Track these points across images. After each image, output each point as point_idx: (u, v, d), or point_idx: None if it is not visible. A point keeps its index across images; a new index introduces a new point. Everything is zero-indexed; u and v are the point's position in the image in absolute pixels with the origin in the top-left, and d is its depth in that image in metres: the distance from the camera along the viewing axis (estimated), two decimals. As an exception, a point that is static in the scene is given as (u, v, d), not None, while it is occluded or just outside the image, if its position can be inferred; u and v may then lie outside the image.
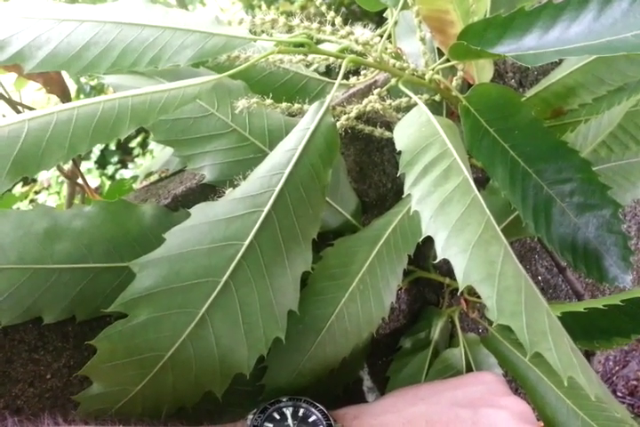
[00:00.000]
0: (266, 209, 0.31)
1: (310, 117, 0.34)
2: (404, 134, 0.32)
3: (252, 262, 0.30)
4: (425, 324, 0.39)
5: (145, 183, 0.55)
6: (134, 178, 0.55)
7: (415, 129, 0.32)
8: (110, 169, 1.29)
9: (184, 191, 0.36)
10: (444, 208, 0.26)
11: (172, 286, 0.29)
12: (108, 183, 1.22)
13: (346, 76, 0.49)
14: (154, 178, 0.60)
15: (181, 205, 0.35)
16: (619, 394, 1.60)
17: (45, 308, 0.30)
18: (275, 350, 0.31)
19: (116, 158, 1.47)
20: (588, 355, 0.46)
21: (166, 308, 0.29)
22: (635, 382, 1.59)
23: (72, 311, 0.30)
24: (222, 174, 0.36)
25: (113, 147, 1.49)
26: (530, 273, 0.50)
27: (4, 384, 0.29)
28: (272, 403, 0.30)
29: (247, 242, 0.30)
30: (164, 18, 0.37)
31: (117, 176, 1.33)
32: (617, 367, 1.63)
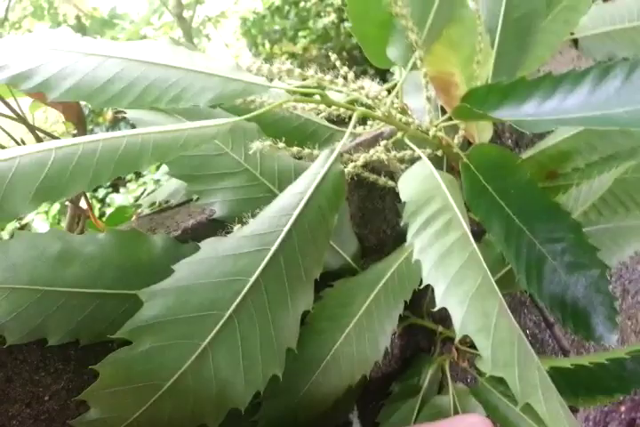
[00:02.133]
0: (273, 248, 0.33)
1: (320, 163, 0.37)
2: (408, 186, 0.35)
3: (257, 299, 0.32)
4: (416, 371, 0.41)
5: (147, 211, 0.58)
6: (137, 206, 0.57)
7: (419, 182, 0.35)
8: (101, 192, 1.30)
9: (194, 225, 0.38)
10: (444, 260, 0.29)
11: (178, 316, 0.31)
12: (98, 206, 1.24)
13: (354, 125, 0.53)
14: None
15: (190, 238, 0.37)
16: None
17: (51, 330, 0.31)
18: (270, 386, 0.32)
19: (107, 182, 1.49)
20: (573, 411, 0.48)
21: (170, 338, 0.30)
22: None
23: (76, 335, 0.32)
24: (231, 211, 0.39)
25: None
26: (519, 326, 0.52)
27: (2, 403, 0.30)
28: (264, 439, 0.31)
29: (253, 278, 0.33)
30: (187, 60, 0.40)
31: (107, 200, 1.35)
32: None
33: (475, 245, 0.30)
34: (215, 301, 0.32)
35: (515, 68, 0.48)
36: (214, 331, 0.31)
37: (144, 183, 1.26)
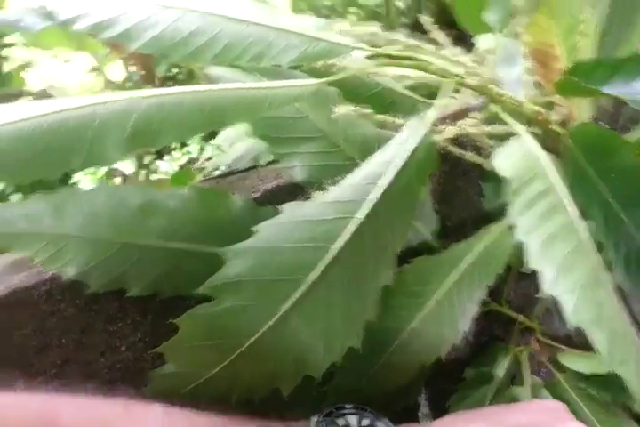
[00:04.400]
0: (357, 216, 0.34)
1: (410, 132, 0.37)
2: (507, 163, 0.35)
3: (338, 267, 0.33)
4: (490, 358, 0.41)
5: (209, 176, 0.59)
6: (201, 169, 0.58)
7: (518, 159, 0.35)
8: (147, 159, 1.32)
9: (273, 188, 0.39)
10: (551, 244, 0.29)
11: (260, 277, 0.32)
12: (142, 172, 1.27)
13: (432, 98, 0.53)
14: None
15: (269, 201, 0.38)
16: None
17: (130, 281, 0.33)
18: (344, 358, 0.33)
19: (198, 135, 1.49)
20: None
21: (252, 297, 0.31)
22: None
23: (155, 288, 0.33)
24: (310, 176, 0.40)
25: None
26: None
27: (80, 351, 0.32)
28: (337, 408, 0.32)
29: (335, 246, 0.33)
30: (270, 17, 0.40)
31: (152, 167, 1.38)
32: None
33: (585, 231, 0.30)
34: (297, 265, 0.32)
35: (621, 41, 0.47)
36: (296, 295, 0.32)
37: (188, 152, 1.28)
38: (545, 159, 0.35)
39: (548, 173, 0.33)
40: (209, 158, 0.66)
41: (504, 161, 0.35)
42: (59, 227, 0.33)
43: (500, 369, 0.41)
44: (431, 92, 0.54)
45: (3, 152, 0.28)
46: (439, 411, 0.40)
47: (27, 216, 0.33)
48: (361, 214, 0.34)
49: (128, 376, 0.33)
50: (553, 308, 0.50)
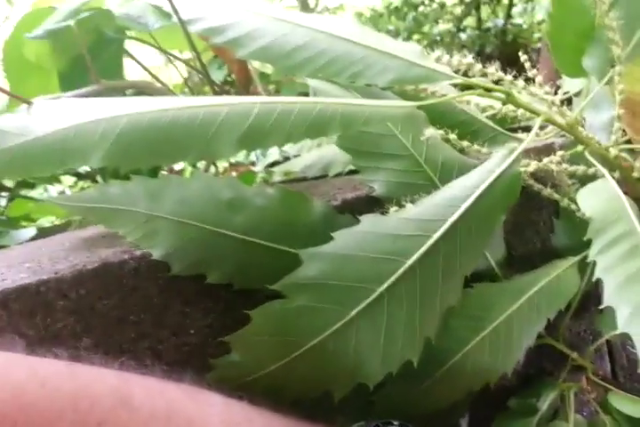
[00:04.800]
0: (435, 236, 0.34)
1: (497, 162, 0.37)
2: (592, 202, 0.34)
3: (409, 282, 0.33)
4: (535, 391, 0.40)
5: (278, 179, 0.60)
6: (270, 173, 0.60)
7: (602, 200, 0.35)
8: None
9: (353, 198, 0.40)
10: (629, 284, 0.28)
11: (333, 282, 0.32)
12: (189, 169, 1.30)
13: (514, 130, 0.53)
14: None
15: (348, 210, 0.38)
16: None
17: (210, 268, 0.34)
18: (398, 371, 0.33)
19: (298, 142, 1.51)
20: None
21: (323, 300, 0.32)
22: None
23: (232, 278, 0.34)
24: (390, 192, 0.40)
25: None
26: None
27: (155, 327, 0.33)
28: (384, 423, 0.32)
29: (410, 262, 0.33)
30: (373, 39, 0.41)
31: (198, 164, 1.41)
32: None
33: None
34: (370, 275, 0.33)
35: None
36: (364, 304, 0.32)
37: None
38: (627, 203, 0.34)
39: (630, 217, 0.33)
40: (275, 163, 0.67)
41: (588, 200, 0.35)
42: (154, 209, 0.34)
43: (545, 403, 0.40)
44: (511, 127, 0.54)
45: (127, 139, 0.30)
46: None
47: (126, 195, 0.34)
48: (439, 234, 0.34)
49: (194, 359, 0.33)
50: (605, 349, 0.49)
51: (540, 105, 0.44)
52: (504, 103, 0.42)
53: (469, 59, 0.43)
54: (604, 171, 0.37)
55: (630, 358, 0.50)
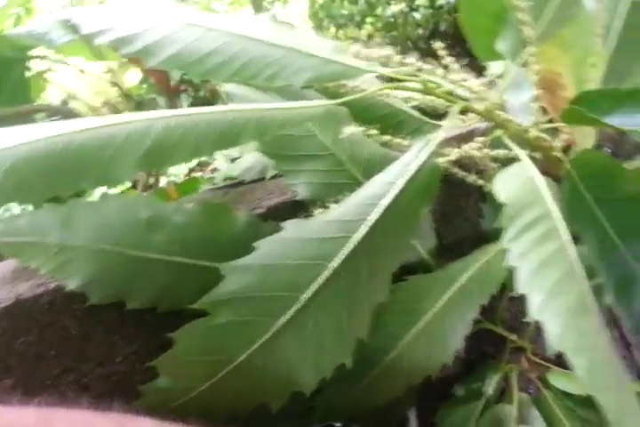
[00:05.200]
0: (357, 236, 0.33)
1: (414, 154, 0.36)
2: (507, 187, 0.33)
3: (334, 285, 0.32)
4: (479, 376, 0.40)
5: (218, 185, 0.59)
6: (210, 179, 0.58)
7: (518, 184, 0.34)
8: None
9: (277, 204, 0.38)
10: (542, 269, 0.28)
11: (256, 294, 0.31)
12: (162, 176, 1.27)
13: (439, 118, 0.52)
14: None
15: (272, 217, 0.37)
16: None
17: (132, 294, 0.32)
18: (334, 374, 0.32)
19: (209, 155, 1.49)
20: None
21: (247, 314, 0.31)
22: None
23: (155, 301, 0.33)
24: (314, 194, 0.39)
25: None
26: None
27: (78, 360, 0.31)
28: (327, 426, 0.31)
29: (333, 265, 0.32)
30: (287, 38, 0.40)
31: (171, 169, 1.38)
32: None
33: (576, 258, 0.29)
34: (293, 282, 0.32)
35: (628, 73, 0.46)
36: (289, 313, 0.31)
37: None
38: (543, 185, 0.34)
39: (545, 199, 0.32)
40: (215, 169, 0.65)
41: (504, 185, 0.34)
42: (66, 238, 0.32)
43: (490, 386, 0.39)
44: (439, 114, 0.53)
45: (19, 172, 0.28)
46: (427, 426, 0.39)
47: (35, 227, 0.32)
48: (360, 234, 0.33)
49: (122, 388, 0.32)
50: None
51: (464, 91, 0.43)
52: (421, 93, 0.41)
53: (387, 51, 0.42)
54: (522, 153, 0.37)
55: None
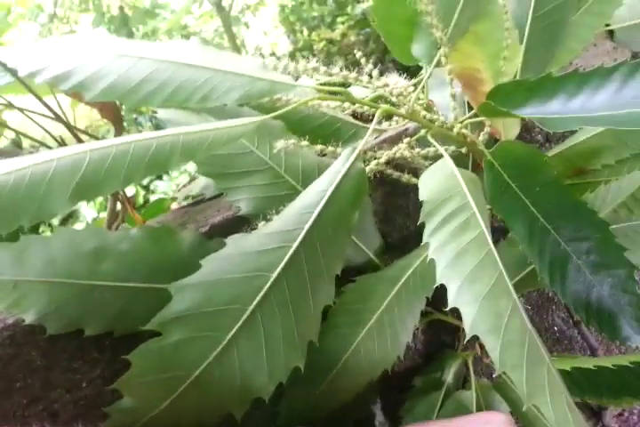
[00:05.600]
0: (294, 245, 0.34)
1: (342, 162, 0.38)
2: (428, 185, 0.35)
3: (278, 294, 0.34)
4: (439, 365, 0.42)
5: (183, 203, 0.60)
6: (173, 198, 0.59)
7: (438, 180, 0.35)
8: (146, 180, 1.35)
9: (220, 221, 0.40)
10: (458, 259, 0.29)
11: (204, 310, 0.33)
12: (142, 193, 1.27)
13: (378, 122, 0.53)
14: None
15: (217, 233, 0.38)
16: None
17: (88, 321, 0.33)
18: (292, 378, 0.34)
19: (140, 181, 1.53)
20: (600, 409, 0.48)
21: (197, 330, 0.32)
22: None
23: (111, 327, 0.34)
24: (256, 208, 0.40)
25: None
26: (546, 323, 0.52)
27: (45, 389, 0.32)
28: (289, 429, 0.32)
29: (275, 274, 0.34)
30: (215, 60, 0.41)
31: (152, 187, 1.39)
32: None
33: (491, 245, 0.30)
34: (239, 295, 0.33)
35: (545, 62, 0.47)
36: (238, 324, 0.32)
37: (185, 170, 1.30)
38: (464, 178, 0.35)
39: (465, 191, 0.33)
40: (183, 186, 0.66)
41: (426, 183, 0.35)
42: (20, 273, 0.33)
43: (449, 375, 0.41)
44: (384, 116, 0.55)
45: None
46: (394, 419, 0.40)
47: (-12, 266, 0.33)
48: (298, 243, 0.34)
49: (90, 411, 0.33)
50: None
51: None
52: (342, 101, 0.43)
53: (313, 63, 0.43)
54: (442, 150, 0.38)
55: (533, 320, 0.51)
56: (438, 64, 0.43)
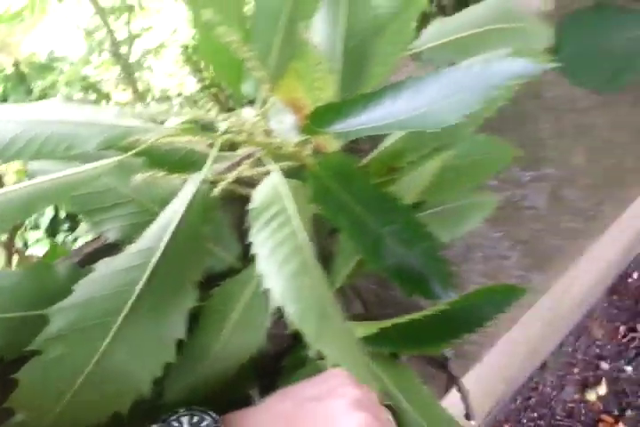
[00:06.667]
0: (153, 260, 0.40)
1: (191, 185, 0.44)
2: (258, 195, 0.42)
3: (144, 303, 0.39)
4: (303, 344, 0.48)
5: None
6: (74, 240, 0.62)
7: (266, 190, 0.43)
8: (61, 236, 1.33)
9: (92, 251, 0.44)
10: (276, 250, 0.36)
11: (79, 326, 0.37)
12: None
13: (234, 148, 0.60)
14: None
15: (90, 261, 0.43)
16: (557, 417, 1.70)
17: (-24, 351, 0.37)
18: (171, 371, 0.39)
19: (66, 226, 1.50)
20: (445, 360, 0.56)
21: (75, 344, 0.37)
22: (572, 405, 1.71)
23: (1, 352, 0.38)
24: (123, 235, 0.45)
25: (63, 215, 1.52)
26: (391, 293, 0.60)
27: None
28: (172, 414, 0.37)
29: (139, 286, 0.39)
30: (76, 114, 0.46)
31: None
32: (554, 392, 1.74)
33: (304, 237, 0.37)
34: (109, 309, 0.38)
35: (357, 86, 0.57)
36: (111, 333, 0.37)
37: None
38: (288, 187, 0.42)
39: (283, 198, 0.41)
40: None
41: (257, 194, 0.42)
42: None
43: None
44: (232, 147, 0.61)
45: None
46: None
47: None
48: (157, 258, 0.40)
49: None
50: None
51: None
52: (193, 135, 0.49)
53: (164, 106, 0.49)
54: (270, 166, 0.45)
55: (380, 295, 0.59)
56: (266, 99, 0.51)
